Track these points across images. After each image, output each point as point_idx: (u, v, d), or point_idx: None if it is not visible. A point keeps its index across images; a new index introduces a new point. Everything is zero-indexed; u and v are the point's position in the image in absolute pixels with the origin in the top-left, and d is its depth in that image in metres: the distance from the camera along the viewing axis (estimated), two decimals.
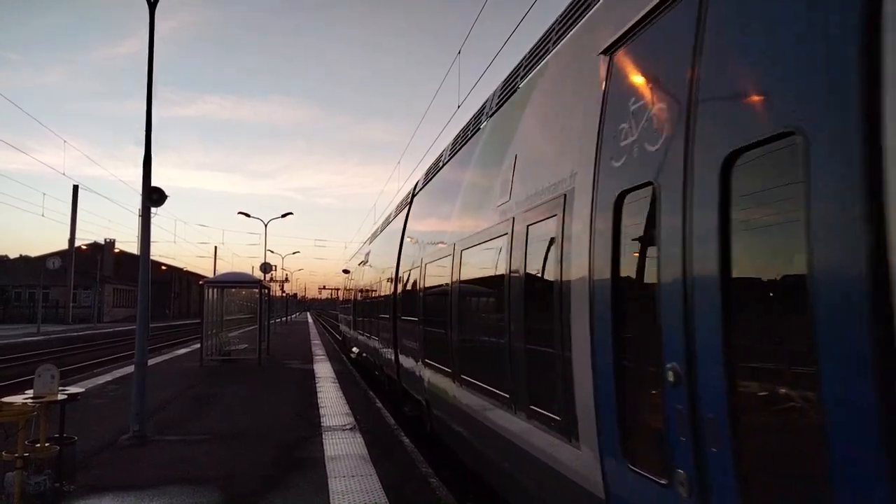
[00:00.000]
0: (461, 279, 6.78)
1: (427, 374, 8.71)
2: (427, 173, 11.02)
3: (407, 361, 10.62)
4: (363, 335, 19.28)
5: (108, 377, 16.32)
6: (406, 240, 11.73)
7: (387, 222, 16.50)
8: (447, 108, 14.45)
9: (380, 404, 12.76)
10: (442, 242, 7.98)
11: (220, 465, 7.77)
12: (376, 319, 15.31)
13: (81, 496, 6.50)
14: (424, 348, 8.96)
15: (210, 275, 56.96)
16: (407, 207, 12.34)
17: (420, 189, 11.40)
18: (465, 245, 6.66)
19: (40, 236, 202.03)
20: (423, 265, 9.20)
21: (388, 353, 12.77)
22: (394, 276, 12.48)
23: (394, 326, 11.97)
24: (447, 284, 7.37)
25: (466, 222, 6.84)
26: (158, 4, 9.80)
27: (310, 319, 77.73)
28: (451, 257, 7.21)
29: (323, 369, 19.15)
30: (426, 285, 9.02)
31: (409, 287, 10.65)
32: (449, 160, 8.79)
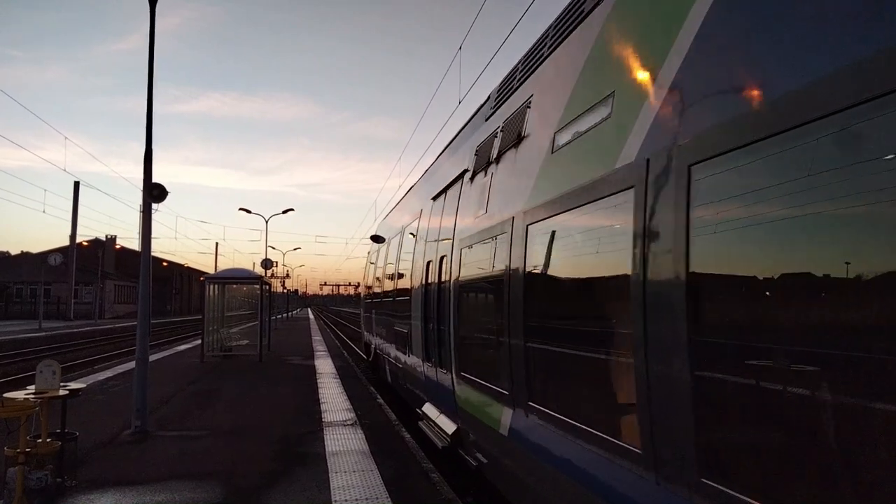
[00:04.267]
0: None
1: None
2: None
3: None
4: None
5: (109, 373, 16.35)
6: None
7: None
8: (448, 104, 14.46)
9: (381, 400, 12.77)
10: None
11: (221, 460, 7.79)
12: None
13: (83, 491, 6.52)
14: None
15: (211, 271, 57.00)
16: None
17: None
18: None
19: (41, 233, 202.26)
20: None
21: None
22: None
23: None
24: None
25: None
26: (159, 1, 9.79)
27: (311, 316, 77.89)
28: None
29: (324, 365, 19.17)
30: None
31: None
32: None
